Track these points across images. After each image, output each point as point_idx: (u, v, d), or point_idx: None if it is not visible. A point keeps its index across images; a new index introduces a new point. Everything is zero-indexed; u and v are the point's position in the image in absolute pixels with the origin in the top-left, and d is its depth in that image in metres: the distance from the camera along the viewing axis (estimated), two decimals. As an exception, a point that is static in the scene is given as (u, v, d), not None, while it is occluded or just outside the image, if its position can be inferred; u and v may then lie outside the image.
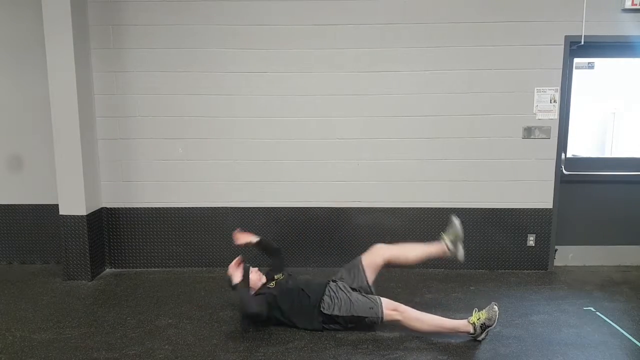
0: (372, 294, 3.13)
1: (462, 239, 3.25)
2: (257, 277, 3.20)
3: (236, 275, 3.03)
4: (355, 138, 4.10)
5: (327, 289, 3.06)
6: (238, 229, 3.42)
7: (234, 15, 3.96)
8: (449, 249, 3.23)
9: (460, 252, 3.24)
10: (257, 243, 3.37)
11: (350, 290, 3.08)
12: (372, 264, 3.20)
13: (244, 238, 3.36)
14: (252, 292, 3.13)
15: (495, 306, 2.90)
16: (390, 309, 2.95)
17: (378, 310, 2.94)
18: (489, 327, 2.89)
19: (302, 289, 3.08)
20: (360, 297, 3.03)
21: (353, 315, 2.97)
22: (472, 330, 2.91)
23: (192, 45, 3.99)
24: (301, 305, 3.04)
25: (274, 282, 3.17)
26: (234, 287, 3.01)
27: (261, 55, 4.00)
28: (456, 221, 3.25)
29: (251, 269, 3.20)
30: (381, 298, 3.01)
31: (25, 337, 2.98)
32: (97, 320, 3.21)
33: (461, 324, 2.93)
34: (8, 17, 4.08)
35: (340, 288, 3.07)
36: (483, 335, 2.93)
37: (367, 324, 3.00)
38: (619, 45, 3.99)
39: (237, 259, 3.11)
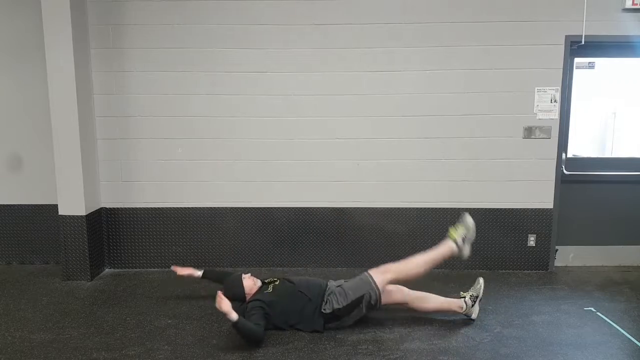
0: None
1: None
2: (251, 283, 3.15)
3: (229, 311, 2.71)
4: (355, 138, 4.09)
5: (327, 290, 3.05)
6: (174, 267, 3.54)
7: (234, 15, 3.95)
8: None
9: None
10: (204, 275, 3.45)
11: (342, 284, 3.10)
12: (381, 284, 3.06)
13: (184, 271, 3.47)
14: (249, 297, 3.09)
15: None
16: (380, 272, 3.02)
17: (370, 281, 2.99)
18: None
19: (301, 291, 3.03)
20: (348, 283, 3.06)
21: (352, 301, 2.97)
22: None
23: (192, 45, 3.99)
24: (301, 308, 3.00)
25: (271, 287, 3.09)
26: (235, 325, 2.73)
27: (261, 55, 4.00)
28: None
29: (243, 275, 3.17)
30: (367, 271, 3.06)
31: (25, 337, 2.98)
32: (97, 321, 3.20)
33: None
34: (7, 17, 4.08)
35: (334, 285, 3.09)
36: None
37: (369, 303, 2.99)
38: (620, 45, 3.99)
39: (218, 294, 2.78)
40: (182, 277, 3.48)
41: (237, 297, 3.11)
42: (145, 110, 4.07)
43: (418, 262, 3.10)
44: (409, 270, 3.06)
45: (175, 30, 3.98)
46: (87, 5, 3.93)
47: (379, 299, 2.99)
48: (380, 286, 2.97)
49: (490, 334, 3.00)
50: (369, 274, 3.03)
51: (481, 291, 3.20)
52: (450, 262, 4.21)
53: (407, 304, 3.10)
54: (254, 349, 2.82)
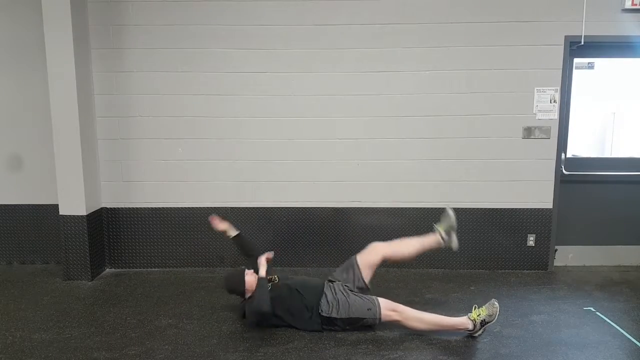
0: (369, 292, 3.13)
1: (455, 229, 3.28)
2: (253, 279, 3.12)
3: (263, 268, 3.08)
4: (355, 138, 4.10)
5: (324, 291, 3.05)
6: (213, 216, 3.47)
7: (234, 15, 3.96)
8: (443, 239, 3.27)
9: (454, 242, 3.29)
10: (236, 237, 3.41)
11: (349, 292, 3.06)
12: (368, 262, 3.18)
13: (221, 225, 3.42)
14: (248, 294, 3.09)
15: (495, 302, 2.95)
16: (389, 309, 2.95)
17: (376, 311, 2.94)
18: (488, 323, 2.93)
19: (298, 290, 3.04)
20: (357, 298, 3.02)
21: (351, 317, 2.97)
22: (471, 327, 2.94)
23: (192, 45, 3.99)
24: (298, 307, 3.02)
25: (270, 285, 3.09)
26: (259, 280, 3.00)
27: (261, 55, 4.00)
28: (450, 212, 3.28)
29: (246, 270, 3.16)
30: (379, 299, 3.00)
31: (25, 337, 2.98)
32: (97, 320, 3.21)
33: (460, 321, 2.96)
34: (8, 17, 4.08)
35: (339, 290, 3.06)
36: (480, 332, 2.96)
37: (365, 325, 3.01)
38: (619, 45, 3.99)
39: (269, 253, 3.20)
40: (217, 230, 3.46)
41: (237, 292, 3.14)
42: (145, 110, 4.08)
43: (422, 317, 2.99)
44: (412, 315, 2.98)
45: (175, 30, 3.99)
46: (87, 6, 3.93)
47: (376, 325, 3.02)
48: (382, 318, 2.96)
49: (490, 334, 3.00)
50: (378, 304, 2.97)
51: (453, 220, 3.22)
52: (449, 262, 4.23)
53: (386, 259, 3.21)
54: (255, 331, 2.87)
